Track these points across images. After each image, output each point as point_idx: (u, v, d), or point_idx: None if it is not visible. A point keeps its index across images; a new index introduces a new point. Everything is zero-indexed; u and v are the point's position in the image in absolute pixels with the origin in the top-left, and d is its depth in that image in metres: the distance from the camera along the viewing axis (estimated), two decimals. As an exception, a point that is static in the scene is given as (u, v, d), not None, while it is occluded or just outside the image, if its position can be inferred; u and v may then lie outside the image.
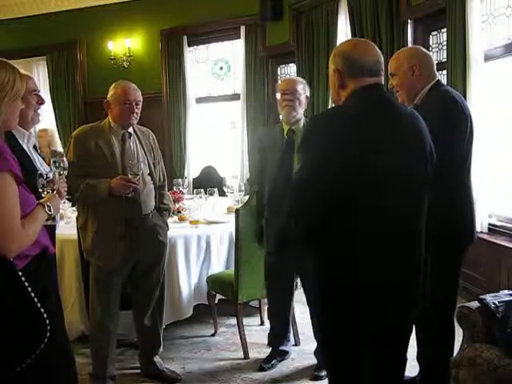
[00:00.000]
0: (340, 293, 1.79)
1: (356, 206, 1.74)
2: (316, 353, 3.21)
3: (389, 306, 1.82)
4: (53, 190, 1.90)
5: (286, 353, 3.35)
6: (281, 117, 3.13)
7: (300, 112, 3.03)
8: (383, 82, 1.91)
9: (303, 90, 3.04)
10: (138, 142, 3.01)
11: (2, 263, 1.58)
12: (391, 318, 1.85)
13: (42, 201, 1.81)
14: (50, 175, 1.95)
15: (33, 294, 1.61)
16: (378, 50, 1.93)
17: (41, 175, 1.91)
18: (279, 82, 3.14)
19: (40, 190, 1.88)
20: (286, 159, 2.99)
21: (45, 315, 1.63)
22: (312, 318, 3.09)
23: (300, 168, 1.84)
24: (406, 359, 1.99)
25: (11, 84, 1.68)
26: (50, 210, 1.78)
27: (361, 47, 1.92)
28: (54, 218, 1.85)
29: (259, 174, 3.19)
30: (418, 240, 1.86)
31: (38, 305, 1.62)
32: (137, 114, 2.92)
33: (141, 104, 2.95)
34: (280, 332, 3.34)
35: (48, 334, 1.63)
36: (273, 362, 3.30)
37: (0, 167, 1.58)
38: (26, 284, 1.61)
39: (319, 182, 1.72)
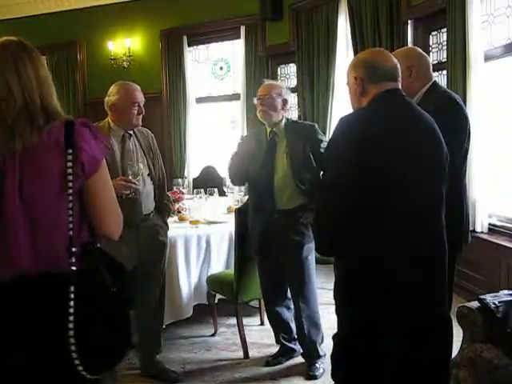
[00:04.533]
0: (366, 292, 1.82)
1: (382, 207, 1.79)
2: (306, 355, 3.22)
3: (416, 305, 1.85)
4: None
5: (294, 351, 3.35)
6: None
7: (274, 115, 3.08)
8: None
9: (279, 94, 3.07)
10: (137, 142, 3.01)
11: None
12: (418, 317, 1.87)
13: None
14: None
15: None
16: (394, 58, 2.01)
17: None
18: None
19: None
20: (268, 160, 3.08)
21: None
22: (298, 314, 3.14)
23: (326, 169, 1.93)
24: (445, 359, 1.99)
25: None
26: None
27: (380, 54, 2.02)
28: None
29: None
30: (442, 239, 1.91)
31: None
32: (142, 114, 2.97)
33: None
34: (281, 330, 3.34)
35: None
36: (279, 358, 3.32)
37: (104, 152, 1.57)
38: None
39: (344, 182, 1.78)
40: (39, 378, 1.45)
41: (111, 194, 1.59)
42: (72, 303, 1.40)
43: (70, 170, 1.45)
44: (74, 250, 1.45)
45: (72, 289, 1.41)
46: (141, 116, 2.95)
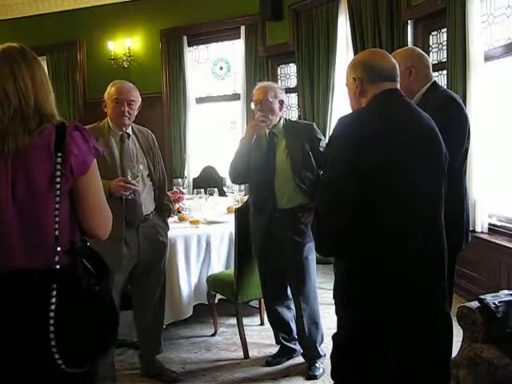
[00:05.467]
0: (366, 292, 1.82)
1: (381, 207, 1.79)
2: (305, 354, 3.23)
3: (415, 305, 1.85)
4: None
5: (294, 351, 3.35)
6: None
7: (274, 118, 3.08)
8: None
9: (275, 96, 3.07)
10: (136, 142, 3.00)
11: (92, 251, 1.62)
12: (418, 317, 1.87)
13: None
14: None
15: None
16: (393, 58, 2.01)
17: None
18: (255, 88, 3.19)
19: None
20: (269, 160, 3.08)
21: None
22: (298, 314, 3.15)
23: (325, 169, 1.93)
24: (445, 359, 1.98)
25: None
26: None
27: (378, 54, 2.02)
28: None
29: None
30: (441, 239, 1.90)
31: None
32: (129, 113, 2.89)
33: (135, 104, 2.93)
34: (281, 330, 3.34)
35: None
36: (279, 358, 3.32)
37: (94, 152, 1.59)
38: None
39: (343, 182, 1.77)
40: (20, 369, 1.50)
41: (100, 196, 1.64)
42: (54, 300, 1.46)
43: (58, 173, 1.49)
44: (58, 249, 1.51)
45: (54, 286, 1.47)
46: (125, 114, 2.86)
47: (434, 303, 1.92)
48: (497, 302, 2.38)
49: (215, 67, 7.37)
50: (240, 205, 3.68)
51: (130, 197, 2.83)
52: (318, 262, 3.25)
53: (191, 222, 3.92)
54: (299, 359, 3.31)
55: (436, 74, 4.62)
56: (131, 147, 2.96)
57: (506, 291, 2.54)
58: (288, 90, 6.45)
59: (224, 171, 6.40)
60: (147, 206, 2.97)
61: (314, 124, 3.25)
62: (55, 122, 1.54)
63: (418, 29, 4.95)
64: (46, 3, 7.80)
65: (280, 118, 3.13)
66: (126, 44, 7.42)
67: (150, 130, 3.15)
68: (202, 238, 3.74)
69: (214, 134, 7.45)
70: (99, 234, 1.65)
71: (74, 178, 1.54)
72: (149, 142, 3.07)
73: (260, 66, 6.66)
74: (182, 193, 4.62)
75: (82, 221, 1.60)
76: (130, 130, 2.99)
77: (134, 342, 3.43)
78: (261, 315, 3.92)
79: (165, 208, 3.12)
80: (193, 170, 7.25)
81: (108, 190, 2.76)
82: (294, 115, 6.49)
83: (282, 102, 3.11)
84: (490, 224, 4.12)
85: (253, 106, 3.14)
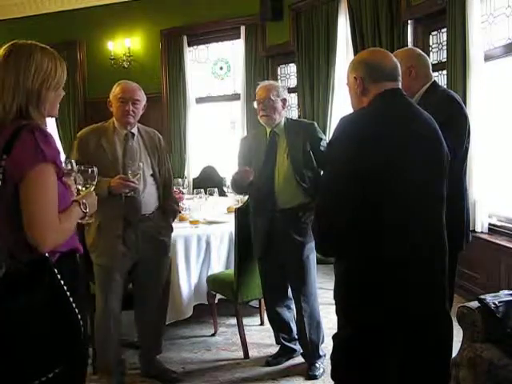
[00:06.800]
0: (366, 292, 1.82)
1: (381, 207, 1.79)
2: (305, 354, 3.23)
3: (415, 305, 1.85)
4: (85, 186, 1.89)
5: (294, 351, 3.35)
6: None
7: (277, 117, 3.09)
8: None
9: (277, 95, 3.08)
10: (141, 142, 3.00)
11: (39, 259, 1.54)
12: (418, 317, 1.87)
13: (78, 198, 1.75)
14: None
15: (68, 293, 1.56)
16: (395, 58, 2.00)
17: (78, 170, 1.89)
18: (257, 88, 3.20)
19: (78, 187, 1.85)
20: (270, 160, 3.09)
21: (79, 316, 1.58)
22: (299, 313, 3.15)
23: (326, 169, 1.92)
24: (445, 359, 1.97)
25: (53, 72, 1.66)
26: (85, 208, 1.71)
27: (379, 53, 2.01)
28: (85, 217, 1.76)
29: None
30: (442, 240, 1.90)
31: (73, 305, 1.57)
32: (134, 112, 2.90)
33: (140, 103, 2.94)
34: (281, 330, 3.34)
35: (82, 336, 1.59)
36: (279, 358, 3.32)
37: (47, 157, 1.53)
38: (62, 282, 1.55)
39: (343, 182, 1.77)
40: None
41: (41, 203, 1.53)
42: None
43: (0, 176, 1.49)
44: None
45: None
46: (129, 113, 2.88)
47: (434, 303, 1.92)
48: (497, 302, 2.38)
49: (215, 67, 7.37)
50: (240, 205, 3.68)
51: (129, 194, 2.83)
52: (318, 262, 3.25)
53: (191, 222, 3.92)
54: (299, 359, 3.31)
55: (436, 74, 4.62)
56: (135, 147, 2.96)
57: (506, 291, 2.54)
58: (288, 90, 6.42)
59: (224, 171, 6.42)
60: (148, 205, 2.96)
61: (315, 123, 3.25)
62: (19, 124, 1.52)
63: (418, 29, 4.95)
64: (45, 3, 7.80)
65: (282, 117, 3.13)
66: (126, 44, 7.42)
67: (157, 131, 3.15)
68: (202, 238, 3.74)
69: (214, 133, 7.46)
70: (34, 244, 1.53)
71: (13, 181, 1.50)
72: (155, 142, 3.06)
73: (260, 66, 6.67)
74: (182, 193, 4.62)
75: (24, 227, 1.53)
76: (135, 130, 2.99)
77: (134, 342, 3.43)
78: (261, 315, 3.92)
79: (170, 209, 3.10)
80: (193, 170, 7.25)
81: (108, 188, 2.77)
82: (294, 115, 6.48)
83: (284, 101, 3.12)
84: (490, 224, 4.12)
85: (255, 104, 3.14)
